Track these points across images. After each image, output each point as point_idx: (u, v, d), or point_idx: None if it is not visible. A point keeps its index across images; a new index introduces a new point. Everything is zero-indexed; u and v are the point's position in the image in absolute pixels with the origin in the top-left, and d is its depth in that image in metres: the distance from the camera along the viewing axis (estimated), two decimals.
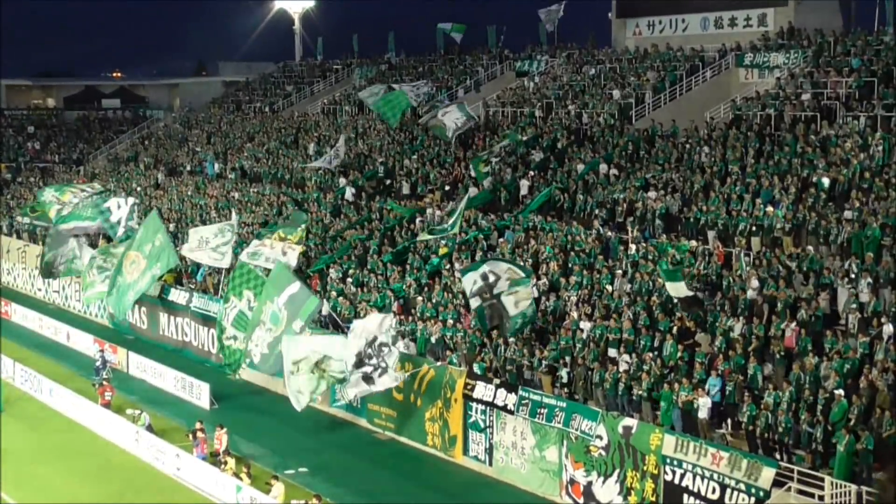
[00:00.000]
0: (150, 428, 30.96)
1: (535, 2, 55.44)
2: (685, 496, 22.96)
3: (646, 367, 25.96)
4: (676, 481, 23.16)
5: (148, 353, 39.89)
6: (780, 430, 22.75)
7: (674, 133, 37.86)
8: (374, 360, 28.66)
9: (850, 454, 21.19)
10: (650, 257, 30.18)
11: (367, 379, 28.75)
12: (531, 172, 39.01)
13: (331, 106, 59.15)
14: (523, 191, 38.25)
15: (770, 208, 29.73)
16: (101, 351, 38.55)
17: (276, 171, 51.37)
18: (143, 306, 44.13)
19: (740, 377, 24.47)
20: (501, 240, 35.47)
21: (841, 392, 22.40)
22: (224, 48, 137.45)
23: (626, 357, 26.85)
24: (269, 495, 25.07)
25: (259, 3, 79.90)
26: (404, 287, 34.82)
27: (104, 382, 34.62)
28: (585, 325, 28.69)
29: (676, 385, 24.85)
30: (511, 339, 29.39)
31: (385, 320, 29.24)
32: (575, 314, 29.35)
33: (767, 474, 21.44)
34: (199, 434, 28.98)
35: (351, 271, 37.42)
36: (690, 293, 26.86)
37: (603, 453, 24.88)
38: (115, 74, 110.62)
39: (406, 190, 42.91)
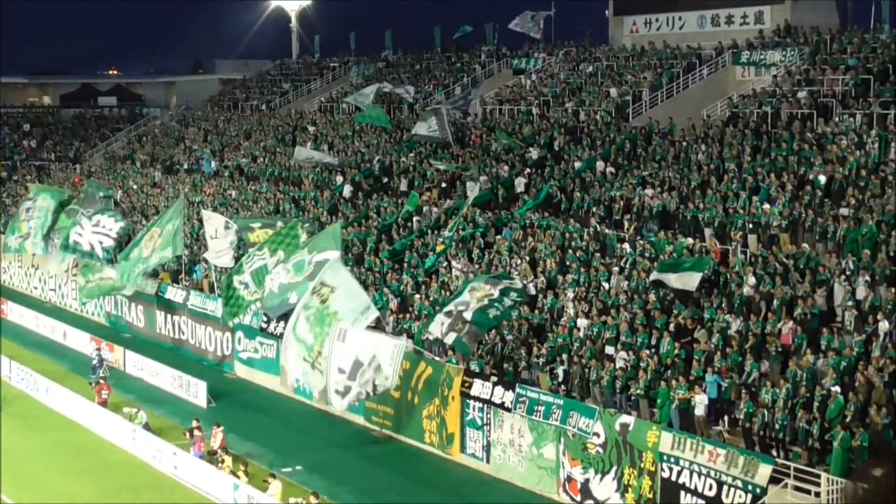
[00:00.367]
0: (146, 426, 30.95)
1: (535, 1, 55.44)
2: (682, 493, 22.98)
3: (643, 365, 26.00)
4: (673, 478, 23.19)
5: (145, 352, 39.87)
6: (777, 427, 22.78)
7: (671, 131, 37.88)
8: (367, 375, 28.25)
9: (845, 451, 21.23)
10: (647, 255, 30.22)
11: (353, 392, 28.50)
12: (527, 170, 39.02)
13: (328, 104, 59.13)
14: (519, 188, 38.27)
15: (767, 206, 29.76)
16: (98, 349, 38.52)
17: (273, 168, 51.36)
18: (140, 304, 44.13)
19: (737, 375, 24.51)
20: (499, 237, 35.52)
21: (837, 389, 22.44)
22: (221, 46, 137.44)
23: (623, 354, 26.88)
24: (266, 493, 25.07)
25: (256, 1, 79.76)
26: (401, 287, 34.86)
27: (101, 381, 34.59)
28: (582, 322, 28.73)
29: (673, 382, 24.89)
30: (509, 337, 29.41)
31: (396, 349, 28.36)
32: (572, 311, 29.39)
33: (764, 471, 21.47)
34: (196, 432, 28.98)
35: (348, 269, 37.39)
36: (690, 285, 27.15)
37: (600, 450, 24.91)
38: (111, 72, 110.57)
39: (404, 187, 42.92)
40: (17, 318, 48.38)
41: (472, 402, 28.41)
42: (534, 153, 40.18)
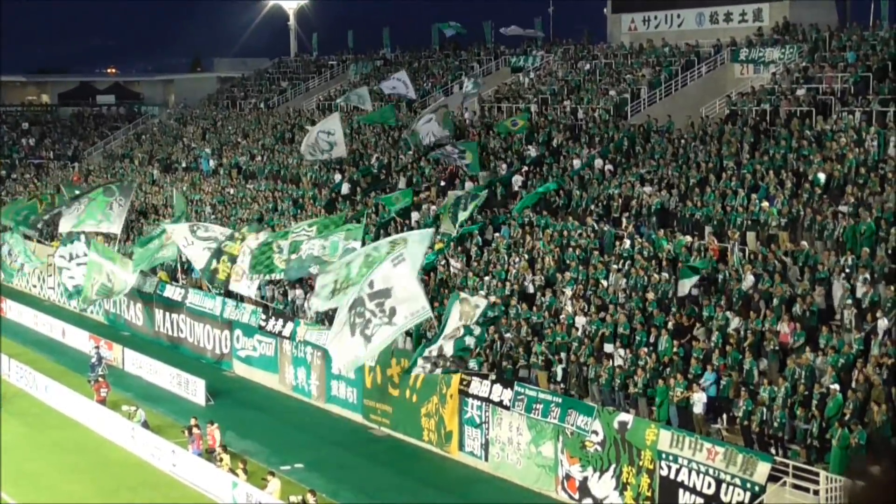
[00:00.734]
0: (145, 424, 30.94)
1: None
2: (681, 491, 22.97)
3: (641, 363, 25.98)
4: (672, 476, 23.18)
5: (143, 350, 39.87)
6: (776, 425, 22.76)
7: (669, 129, 37.86)
8: (367, 315, 26.84)
9: (843, 449, 21.22)
10: (645, 253, 30.21)
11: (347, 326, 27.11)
12: (524, 168, 39.01)
13: (326, 102, 59.07)
14: (516, 186, 38.26)
15: (765, 203, 29.73)
16: (97, 347, 38.50)
17: (272, 167, 51.33)
18: (139, 302, 44.12)
19: (735, 373, 24.49)
20: (497, 235, 35.50)
21: (836, 387, 22.41)
22: (219, 44, 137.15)
23: (621, 352, 26.87)
24: (265, 491, 25.06)
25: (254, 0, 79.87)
26: None
27: (100, 379, 34.58)
28: (581, 320, 28.72)
29: (672, 380, 24.87)
30: (507, 335, 29.39)
31: (421, 312, 27.04)
32: (570, 309, 29.37)
33: (763, 469, 21.46)
34: (195, 430, 28.98)
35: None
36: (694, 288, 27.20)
37: (599, 449, 24.90)
38: (109, 71, 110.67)
39: (402, 185, 42.89)
40: (16, 317, 48.35)
41: (470, 400, 28.40)
42: (532, 151, 40.19)
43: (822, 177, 29.94)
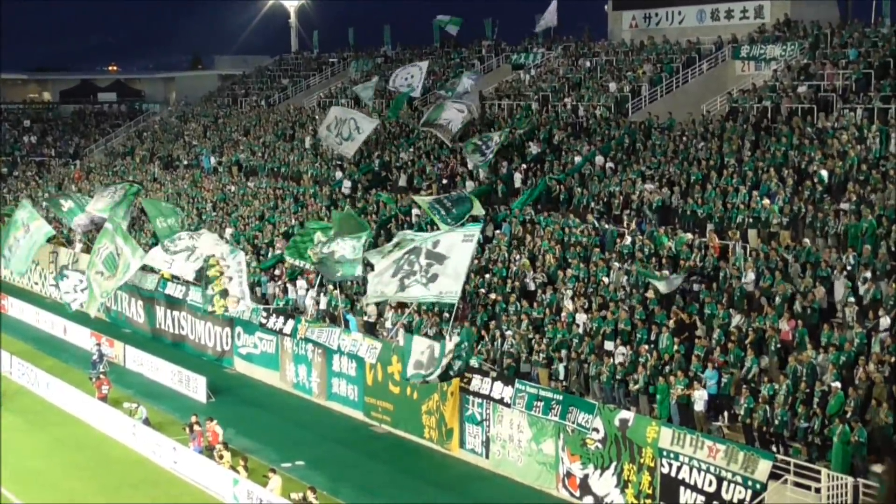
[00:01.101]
0: (146, 421, 30.94)
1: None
2: (682, 489, 22.96)
3: (642, 360, 25.97)
4: (673, 474, 23.17)
5: (145, 347, 39.88)
6: (777, 422, 22.74)
7: (670, 126, 37.83)
8: (415, 267, 28.21)
9: (845, 446, 21.20)
10: (646, 250, 30.20)
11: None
12: (524, 165, 38.98)
13: (327, 99, 59.05)
14: (517, 183, 38.24)
15: (766, 201, 29.72)
16: (98, 345, 38.51)
17: (273, 164, 51.31)
18: (140, 300, 44.12)
19: (737, 370, 24.48)
20: (498, 231, 35.48)
21: (838, 385, 22.41)
22: (220, 42, 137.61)
23: (622, 350, 26.86)
24: (266, 488, 25.06)
25: None
26: None
27: (101, 376, 34.58)
28: (582, 317, 28.71)
29: (672, 378, 24.86)
30: (508, 333, 29.38)
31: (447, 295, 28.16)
32: (571, 307, 29.36)
33: (764, 467, 21.45)
34: (196, 427, 29.00)
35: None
36: (675, 285, 27.16)
37: (599, 446, 24.89)
38: (111, 68, 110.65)
39: (403, 182, 42.88)
40: (17, 314, 48.36)
41: (471, 398, 28.39)
42: (533, 148, 40.17)
43: (824, 174, 29.92)
